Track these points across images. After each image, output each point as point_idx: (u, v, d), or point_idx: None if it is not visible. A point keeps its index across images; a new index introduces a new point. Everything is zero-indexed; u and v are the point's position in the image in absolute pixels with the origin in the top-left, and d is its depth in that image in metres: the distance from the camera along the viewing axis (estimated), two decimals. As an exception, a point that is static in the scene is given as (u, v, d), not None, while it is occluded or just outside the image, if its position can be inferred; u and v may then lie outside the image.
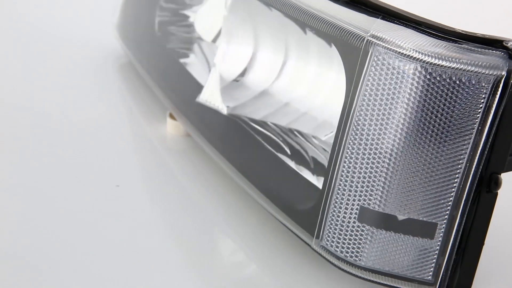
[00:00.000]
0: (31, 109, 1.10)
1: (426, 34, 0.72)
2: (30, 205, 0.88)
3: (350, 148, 0.74)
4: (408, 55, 0.70)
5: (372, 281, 0.76)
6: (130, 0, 1.26)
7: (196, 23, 1.26)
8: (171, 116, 1.07)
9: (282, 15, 0.87)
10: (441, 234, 0.73)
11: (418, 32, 0.73)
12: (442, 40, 0.71)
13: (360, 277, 0.76)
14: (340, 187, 0.75)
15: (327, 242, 0.77)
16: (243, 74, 1.01)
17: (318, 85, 0.92)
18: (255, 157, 0.90)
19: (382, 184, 0.73)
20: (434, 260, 0.74)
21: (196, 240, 0.86)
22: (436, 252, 0.74)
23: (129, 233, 0.85)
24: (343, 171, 0.75)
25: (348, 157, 0.74)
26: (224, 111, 0.96)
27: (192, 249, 0.85)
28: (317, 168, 0.86)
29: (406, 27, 0.74)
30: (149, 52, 1.19)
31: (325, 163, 0.86)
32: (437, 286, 0.75)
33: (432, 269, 0.75)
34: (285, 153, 0.90)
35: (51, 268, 0.78)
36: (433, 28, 0.73)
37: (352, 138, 0.74)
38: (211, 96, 1.00)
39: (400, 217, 0.73)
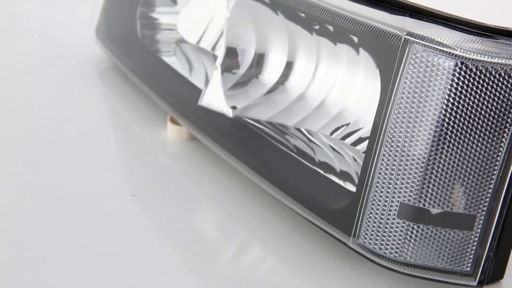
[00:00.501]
0: (19, 123, 1.07)
1: (459, 30, 0.73)
2: (31, 210, 0.87)
3: (389, 145, 0.75)
4: (447, 52, 0.71)
5: (413, 276, 0.77)
6: (111, 4, 1.23)
7: (180, 25, 1.25)
8: (172, 121, 1.05)
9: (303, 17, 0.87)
10: (480, 226, 0.75)
11: (450, 28, 0.74)
12: (476, 35, 0.72)
13: (400, 273, 0.77)
14: (378, 185, 0.76)
15: (364, 240, 0.78)
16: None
17: (345, 89, 0.93)
18: (281, 162, 0.89)
19: (422, 180, 0.73)
20: (473, 252, 0.76)
21: (222, 246, 0.86)
22: (475, 243, 0.75)
23: (149, 244, 0.85)
24: (381, 168, 0.75)
25: (386, 155, 0.75)
26: (249, 120, 0.96)
27: (217, 254, 0.85)
28: (344, 170, 0.87)
29: (437, 24, 0.74)
30: (138, 58, 1.17)
31: (351, 164, 0.87)
32: (476, 277, 0.76)
33: (471, 260, 0.76)
34: (312, 157, 0.90)
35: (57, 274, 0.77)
36: (464, 24, 0.74)
37: (391, 136, 0.74)
38: (217, 102, 1.00)
39: (440, 211, 0.74)
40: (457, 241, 0.75)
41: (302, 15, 0.90)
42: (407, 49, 0.73)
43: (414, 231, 0.75)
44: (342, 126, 0.93)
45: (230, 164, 0.94)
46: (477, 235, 0.75)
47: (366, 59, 0.87)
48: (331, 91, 0.94)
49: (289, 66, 1.00)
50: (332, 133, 0.94)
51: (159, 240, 0.86)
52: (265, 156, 0.90)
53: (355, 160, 0.91)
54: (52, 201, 0.89)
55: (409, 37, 0.73)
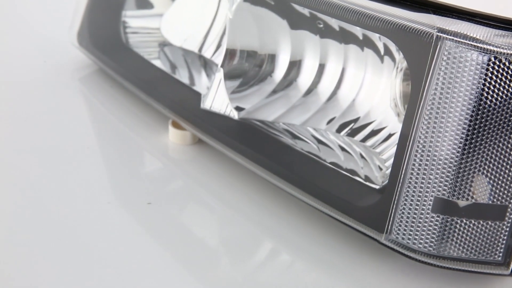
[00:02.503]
0: (17, 137, 1.04)
1: (484, 25, 0.74)
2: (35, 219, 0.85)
3: (422, 141, 0.76)
4: (480, 47, 0.72)
5: (447, 268, 0.78)
6: (95, 9, 1.21)
7: (164, 27, 1.23)
8: (174, 125, 1.04)
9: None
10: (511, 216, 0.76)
11: (475, 23, 0.75)
12: (502, 29, 0.74)
13: (435, 265, 0.78)
14: (411, 180, 0.77)
15: (397, 236, 0.79)
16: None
17: (366, 92, 0.94)
18: (304, 164, 0.89)
19: (455, 174, 0.75)
20: (504, 241, 0.77)
21: (252, 250, 0.85)
22: (506, 233, 0.77)
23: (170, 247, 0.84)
24: (414, 164, 0.76)
25: (419, 150, 0.76)
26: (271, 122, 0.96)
27: (244, 257, 0.84)
28: (369, 169, 0.88)
29: (461, 19, 0.76)
30: (129, 63, 1.15)
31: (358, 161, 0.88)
32: (508, 266, 0.78)
33: (502, 250, 0.78)
34: (338, 158, 0.91)
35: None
36: (488, 19, 0.75)
37: (423, 131, 0.75)
38: (222, 104, 0.99)
39: (472, 203, 0.76)
40: (489, 231, 0.77)
41: (324, 16, 0.90)
42: (438, 46, 0.74)
43: (448, 224, 0.77)
44: (351, 123, 0.94)
45: (249, 169, 0.93)
46: (509, 225, 0.77)
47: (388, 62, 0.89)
48: (340, 88, 0.95)
49: (295, 65, 1.00)
50: (341, 131, 0.95)
51: (181, 245, 0.85)
52: (287, 160, 0.90)
53: (362, 157, 0.92)
54: (69, 213, 0.88)
55: (440, 34, 0.74)
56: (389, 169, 0.88)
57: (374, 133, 0.94)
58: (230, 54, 1.00)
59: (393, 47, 0.92)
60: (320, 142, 0.95)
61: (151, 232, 0.87)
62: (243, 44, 1.00)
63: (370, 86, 0.95)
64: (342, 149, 0.94)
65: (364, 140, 0.94)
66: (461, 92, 0.73)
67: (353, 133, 0.95)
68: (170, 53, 1.21)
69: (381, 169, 0.90)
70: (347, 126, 0.96)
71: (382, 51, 0.93)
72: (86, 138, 1.04)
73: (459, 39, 0.73)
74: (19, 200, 0.89)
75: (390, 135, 0.93)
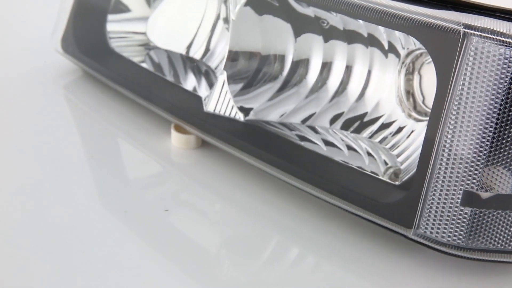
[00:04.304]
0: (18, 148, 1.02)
1: (506, 20, 0.76)
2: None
3: (450, 136, 0.77)
4: (507, 42, 0.74)
5: (476, 260, 0.80)
6: (81, 14, 1.19)
7: (150, 30, 1.22)
8: (177, 129, 1.03)
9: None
10: (539, 204, 0.78)
11: (497, 19, 0.76)
12: (523, 24, 0.76)
13: (463, 258, 0.80)
14: (439, 175, 0.78)
15: (425, 230, 0.80)
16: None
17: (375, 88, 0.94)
18: (323, 164, 0.90)
19: (485, 167, 0.76)
20: (530, 230, 0.79)
21: (275, 251, 0.86)
22: (533, 222, 0.79)
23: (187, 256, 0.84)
24: (442, 159, 0.77)
25: (447, 145, 0.77)
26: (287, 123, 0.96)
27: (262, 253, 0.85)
28: (375, 165, 0.90)
29: (482, 15, 0.77)
30: (121, 68, 1.14)
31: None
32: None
33: (529, 238, 0.80)
34: (343, 155, 0.91)
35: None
36: (508, 13, 0.77)
37: (451, 127, 0.76)
38: (227, 107, 0.99)
39: (500, 195, 0.77)
40: (516, 221, 0.79)
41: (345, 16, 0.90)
42: (465, 42, 0.75)
43: (476, 216, 0.78)
44: (358, 118, 0.95)
45: (263, 171, 0.93)
46: (535, 214, 0.79)
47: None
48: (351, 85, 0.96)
49: (300, 64, 1.00)
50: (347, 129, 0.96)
51: (199, 249, 0.85)
52: (305, 160, 0.90)
53: (369, 154, 0.93)
54: (84, 223, 0.86)
55: (467, 30, 0.75)
56: (404, 165, 0.90)
57: (383, 127, 0.95)
58: (232, 55, 0.99)
59: (398, 43, 0.93)
60: (326, 141, 0.95)
61: (166, 238, 0.86)
62: (246, 46, 1.00)
63: (376, 82, 0.96)
64: (348, 147, 0.95)
65: (372, 135, 0.95)
66: (489, 86, 0.75)
67: (360, 128, 0.96)
68: (156, 56, 1.20)
69: (386, 164, 0.91)
70: (355, 122, 0.96)
71: (386, 47, 0.94)
72: (88, 148, 1.02)
73: (486, 35, 0.74)
74: (33, 215, 0.87)
75: (400, 129, 0.94)
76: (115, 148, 1.04)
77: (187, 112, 1.02)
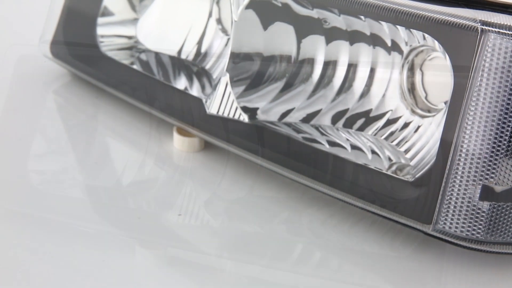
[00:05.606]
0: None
1: (520, 16, 0.77)
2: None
3: (468, 132, 0.78)
4: (525, 38, 0.75)
5: (496, 253, 0.81)
6: (71, 18, 1.17)
7: (140, 32, 1.21)
8: (180, 132, 1.02)
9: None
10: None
11: (510, 15, 0.77)
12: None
13: (483, 251, 0.81)
14: (458, 171, 0.79)
15: (444, 225, 0.81)
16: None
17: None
18: (338, 163, 0.90)
19: (505, 161, 0.77)
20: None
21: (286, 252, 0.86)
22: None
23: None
24: (460, 155, 0.78)
25: (466, 141, 0.78)
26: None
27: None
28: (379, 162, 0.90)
29: (495, 11, 0.78)
30: (116, 73, 1.13)
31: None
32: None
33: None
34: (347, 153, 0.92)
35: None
36: (522, 9, 0.78)
37: (470, 122, 0.77)
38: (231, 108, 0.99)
39: (518, 188, 0.79)
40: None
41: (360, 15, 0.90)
42: (483, 39, 0.76)
43: (495, 210, 0.79)
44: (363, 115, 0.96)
45: (274, 172, 0.93)
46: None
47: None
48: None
49: (304, 64, 1.00)
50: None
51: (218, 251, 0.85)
52: (317, 160, 0.90)
53: (373, 152, 0.94)
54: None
55: (484, 27, 0.76)
56: (413, 161, 0.91)
57: (389, 122, 0.95)
58: (235, 57, 0.99)
59: (401, 41, 0.93)
60: (330, 141, 0.96)
61: (176, 242, 0.86)
62: (248, 47, 0.99)
63: (380, 79, 0.96)
64: (352, 146, 0.95)
65: (377, 132, 0.96)
66: (506, 82, 0.76)
67: (366, 125, 0.96)
68: (147, 58, 1.19)
69: (391, 160, 0.92)
70: (360, 118, 0.97)
71: (389, 44, 0.95)
72: (91, 155, 1.01)
73: (503, 31, 0.75)
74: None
75: (406, 124, 0.94)
76: (117, 154, 1.03)
77: (189, 114, 1.01)
